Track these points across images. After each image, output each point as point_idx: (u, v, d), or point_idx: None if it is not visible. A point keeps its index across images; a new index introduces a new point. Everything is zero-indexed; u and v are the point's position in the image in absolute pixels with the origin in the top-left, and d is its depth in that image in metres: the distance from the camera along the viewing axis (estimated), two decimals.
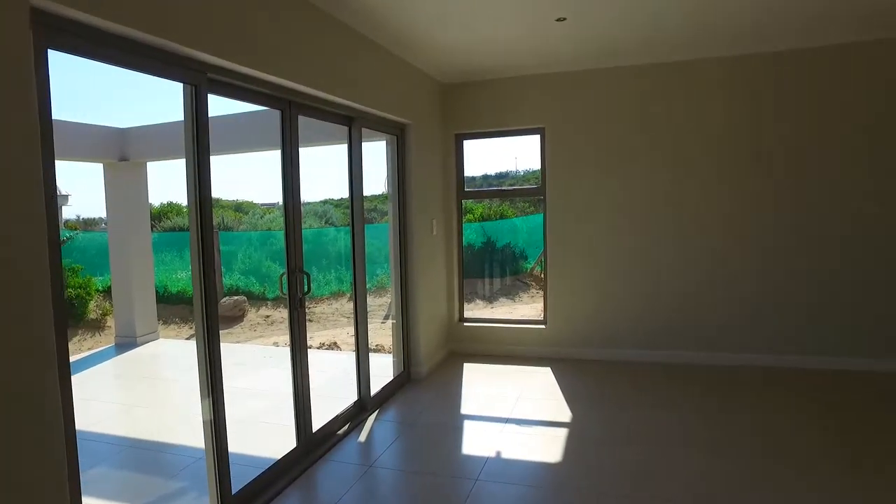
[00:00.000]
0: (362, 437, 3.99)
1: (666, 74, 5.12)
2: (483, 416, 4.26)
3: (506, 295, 9.21)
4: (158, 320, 7.54)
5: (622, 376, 5.00)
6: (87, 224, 12.16)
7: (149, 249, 7.35)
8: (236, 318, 9.02)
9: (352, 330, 4.39)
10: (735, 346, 5.14)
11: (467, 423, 4.15)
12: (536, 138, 5.63)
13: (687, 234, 5.20)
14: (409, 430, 4.09)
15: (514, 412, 4.28)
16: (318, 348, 7.21)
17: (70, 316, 8.00)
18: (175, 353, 7.04)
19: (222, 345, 2.88)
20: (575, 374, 5.10)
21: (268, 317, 9.15)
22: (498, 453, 3.60)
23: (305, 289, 3.56)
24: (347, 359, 5.52)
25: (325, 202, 12.27)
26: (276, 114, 3.42)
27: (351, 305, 4.38)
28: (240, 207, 12.63)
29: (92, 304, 8.70)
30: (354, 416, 4.25)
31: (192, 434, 3.66)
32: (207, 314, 2.76)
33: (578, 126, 5.40)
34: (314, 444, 3.69)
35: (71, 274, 8.46)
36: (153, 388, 5.60)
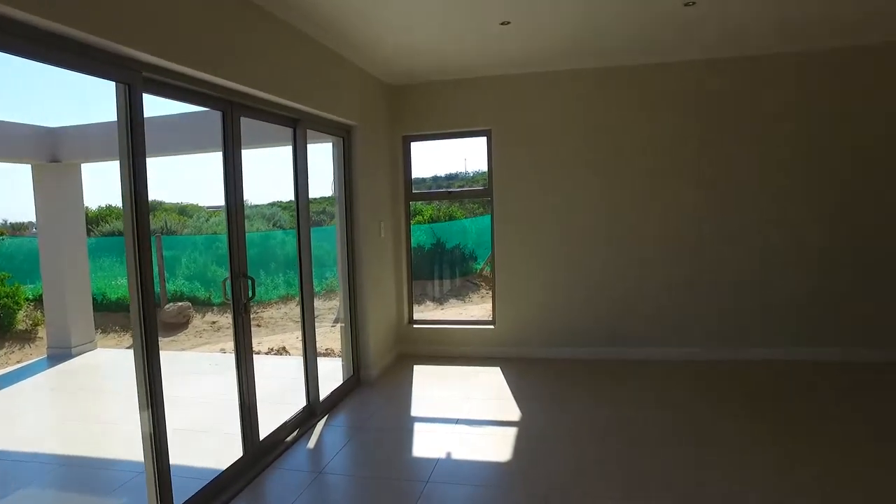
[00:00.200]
0: (311, 443, 3.93)
1: (609, 79, 5.26)
2: (433, 418, 4.26)
3: (456, 296, 9.25)
4: (96, 329, 7.22)
5: (568, 374, 5.10)
6: (15, 229, 11.52)
7: (84, 255, 7.02)
8: (181, 324, 8.74)
9: (300, 334, 4.32)
10: (668, 342, 5.36)
11: (418, 425, 4.15)
12: (484, 140, 5.69)
13: (623, 237, 5.37)
14: (359, 434, 4.06)
15: (464, 413, 4.31)
16: (267, 354, 7.06)
17: None
18: (114, 363, 6.73)
19: (167, 353, 2.80)
20: (523, 373, 5.18)
21: (214, 322, 8.90)
22: (448, 454, 3.62)
23: (250, 294, 3.48)
24: (296, 364, 5.43)
25: (273, 205, 12.05)
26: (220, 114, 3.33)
27: (300, 309, 4.31)
28: (184, 210, 12.24)
29: (21, 314, 8.25)
30: (303, 422, 4.18)
31: (131, 448, 3.52)
32: (146, 322, 2.66)
33: (523, 129, 5.48)
34: (261, 453, 3.61)
35: None
36: (89, 401, 5.34)
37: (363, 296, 5.06)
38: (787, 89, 4.98)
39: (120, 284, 9.32)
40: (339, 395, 4.72)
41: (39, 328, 8.05)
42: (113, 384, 5.90)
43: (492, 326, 5.78)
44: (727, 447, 3.54)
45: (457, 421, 4.16)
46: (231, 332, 3.49)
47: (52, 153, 6.45)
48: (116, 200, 11.12)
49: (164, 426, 2.74)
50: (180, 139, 5.90)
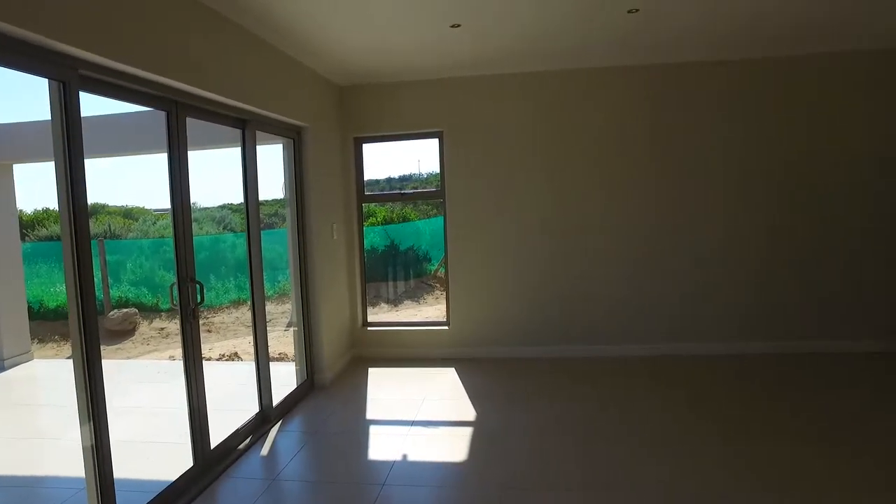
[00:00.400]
0: (265, 450, 3.86)
1: (558, 82, 5.37)
2: (389, 420, 4.25)
3: (410, 297, 9.24)
4: (33, 339, 6.87)
5: (523, 373, 5.17)
6: None
7: (18, 261, 6.67)
8: (127, 332, 8.42)
9: (252, 339, 4.24)
10: (622, 340, 5.51)
11: (373, 428, 4.12)
12: (436, 142, 5.70)
13: (574, 236, 5.49)
14: (314, 439, 4.01)
15: (419, 414, 4.31)
16: (218, 360, 6.88)
17: None
18: (53, 374, 6.43)
19: (111, 361, 2.71)
20: (478, 373, 5.22)
21: (162, 329, 8.61)
22: (404, 456, 3.61)
23: (199, 299, 3.39)
24: (249, 369, 5.30)
25: (222, 207, 11.75)
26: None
27: (251, 314, 4.22)
28: (130, 214, 11.79)
29: None
30: (256, 428, 4.09)
31: (72, 463, 3.37)
32: (86, 330, 2.56)
33: (475, 130, 5.53)
34: (213, 462, 3.52)
35: None
36: (24, 416, 5.07)
37: (316, 299, 4.99)
38: (726, 94, 5.20)
39: (59, 291, 8.90)
40: (293, 400, 4.64)
41: None
42: (51, 397, 5.63)
43: (446, 327, 5.80)
44: (684, 443, 3.63)
45: (412, 423, 4.16)
46: (180, 338, 3.39)
47: None
48: (54, 203, 10.62)
49: (107, 438, 2.64)
50: (125, 139, 5.67)
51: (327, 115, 5.29)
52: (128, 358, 7.49)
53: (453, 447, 3.72)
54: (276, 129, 4.50)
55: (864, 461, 3.26)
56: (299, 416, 4.41)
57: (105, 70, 2.65)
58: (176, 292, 3.30)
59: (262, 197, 4.20)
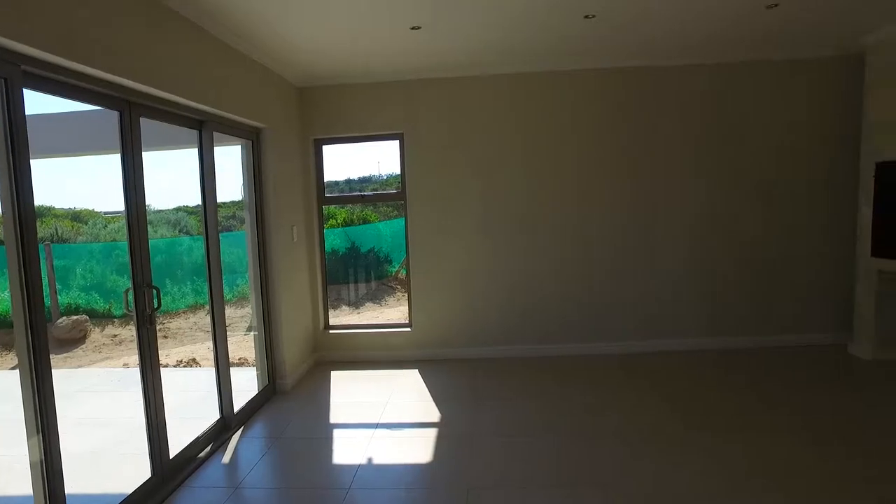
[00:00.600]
0: (226, 457, 3.77)
1: (519, 84, 5.41)
2: (353, 424, 4.21)
3: (372, 300, 9.17)
4: None
5: (487, 374, 5.20)
6: None
7: None
8: (77, 339, 8.09)
9: (211, 344, 4.13)
10: (588, 338, 5.60)
11: (337, 432, 4.08)
12: (396, 143, 5.68)
13: (534, 236, 5.55)
14: (277, 445, 3.94)
15: (383, 417, 4.29)
16: (176, 366, 6.68)
17: None
18: None
19: (60, 371, 2.58)
20: (442, 375, 5.22)
21: (115, 336, 8.32)
22: (369, 460, 3.59)
23: (155, 304, 3.29)
24: (208, 375, 5.17)
25: (178, 209, 11.42)
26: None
27: (210, 318, 4.12)
28: (78, 217, 11.33)
29: None
30: (217, 435, 3.99)
31: (19, 480, 3.22)
32: (34, 338, 2.45)
33: (435, 132, 5.53)
34: (172, 472, 3.42)
35: None
36: None
37: (276, 302, 4.91)
38: (680, 96, 5.35)
39: (2, 298, 8.50)
40: (254, 406, 4.55)
41: None
42: None
43: (408, 329, 5.79)
44: (652, 439, 3.71)
45: (377, 425, 4.13)
46: (135, 345, 3.28)
47: None
48: None
49: (57, 452, 2.53)
50: (75, 139, 5.43)
51: (286, 117, 5.21)
52: (79, 367, 7.20)
53: (419, 449, 3.71)
54: (235, 130, 4.40)
55: (834, 450, 3.41)
56: (261, 422, 4.33)
57: (50, 66, 2.55)
58: (131, 298, 3.20)
59: (219, 199, 4.11)
